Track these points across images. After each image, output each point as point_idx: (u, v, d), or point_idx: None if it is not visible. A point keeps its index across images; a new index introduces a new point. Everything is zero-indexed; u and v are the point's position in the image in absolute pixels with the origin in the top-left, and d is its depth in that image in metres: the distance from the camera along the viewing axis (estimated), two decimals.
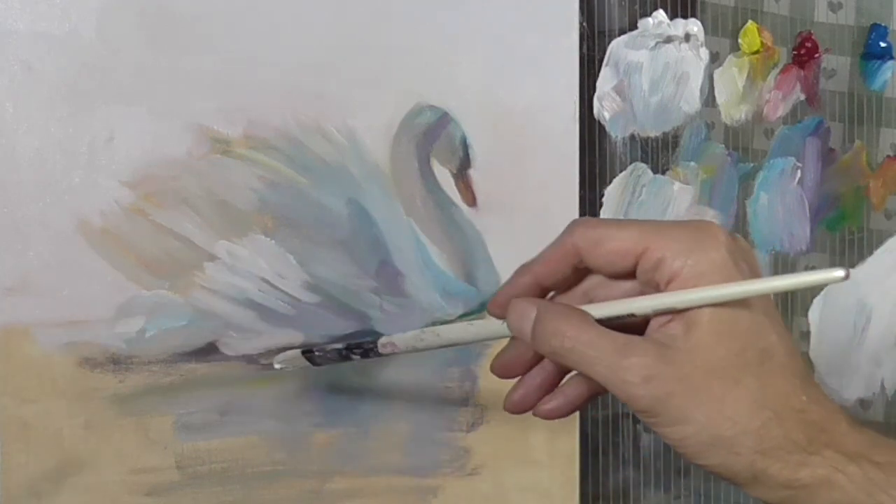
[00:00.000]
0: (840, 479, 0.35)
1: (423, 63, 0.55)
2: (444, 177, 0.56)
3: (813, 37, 0.70)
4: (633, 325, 0.38)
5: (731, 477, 0.37)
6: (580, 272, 0.40)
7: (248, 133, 0.51)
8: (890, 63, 0.73)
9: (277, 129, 0.52)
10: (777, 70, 0.69)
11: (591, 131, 0.62)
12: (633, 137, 0.64)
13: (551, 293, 0.41)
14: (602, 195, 0.63)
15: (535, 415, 0.41)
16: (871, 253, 0.74)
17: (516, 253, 0.57)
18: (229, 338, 0.51)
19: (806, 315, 0.71)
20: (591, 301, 0.40)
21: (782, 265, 0.70)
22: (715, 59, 0.66)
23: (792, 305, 0.71)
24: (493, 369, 0.42)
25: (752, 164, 0.69)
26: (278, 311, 0.52)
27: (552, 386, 0.41)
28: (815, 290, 0.72)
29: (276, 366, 0.50)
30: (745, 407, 0.35)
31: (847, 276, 0.34)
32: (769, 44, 0.68)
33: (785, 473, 0.36)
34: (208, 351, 0.50)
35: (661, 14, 0.64)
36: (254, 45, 0.51)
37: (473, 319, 0.43)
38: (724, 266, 0.36)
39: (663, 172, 0.65)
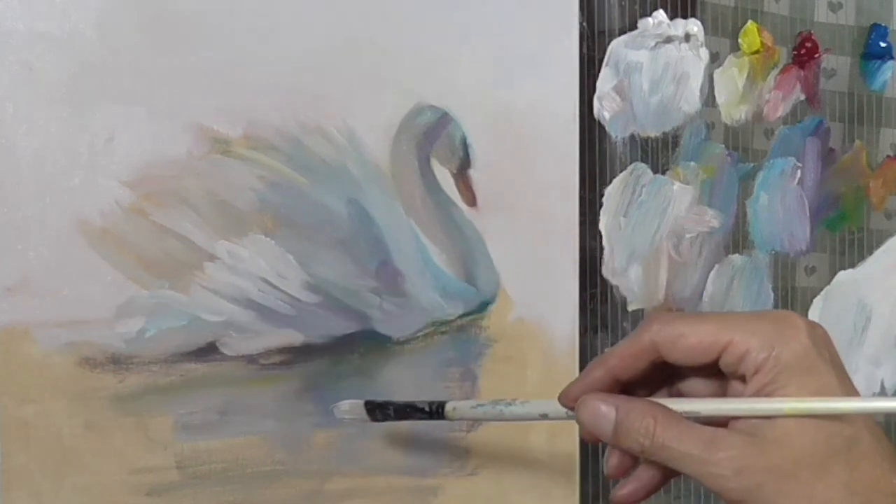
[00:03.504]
0: None
1: (423, 63, 0.55)
2: (444, 177, 0.56)
3: (813, 37, 0.70)
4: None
5: None
6: (656, 365, 0.41)
7: (248, 133, 0.51)
8: (890, 63, 0.73)
9: (277, 129, 0.52)
10: (777, 70, 0.69)
11: (591, 131, 0.62)
12: (633, 137, 0.64)
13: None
14: (602, 195, 0.63)
15: (611, 500, 0.42)
16: (871, 253, 0.74)
17: (516, 253, 0.58)
18: (229, 338, 0.51)
19: (806, 315, 0.71)
20: (678, 394, 0.41)
21: (782, 265, 0.70)
22: (715, 59, 0.66)
23: (792, 306, 0.71)
24: (608, 474, 0.43)
25: (752, 164, 0.69)
26: (278, 311, 0.52)
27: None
28: (815, 291, 0.72)
29: (338, 415, 0.51)
30: (836, 494, 0.36)
31: None
32: (769, 44, 0.68)
33: None
34: (208, 351, 0.50)
35: (661, 14, 0.64)
36: (254, 44, 0.51)
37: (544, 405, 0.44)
38: (808, 356, 0.37)
39: (663, 172, 0.65)
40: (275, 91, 0.51)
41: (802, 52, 0.70)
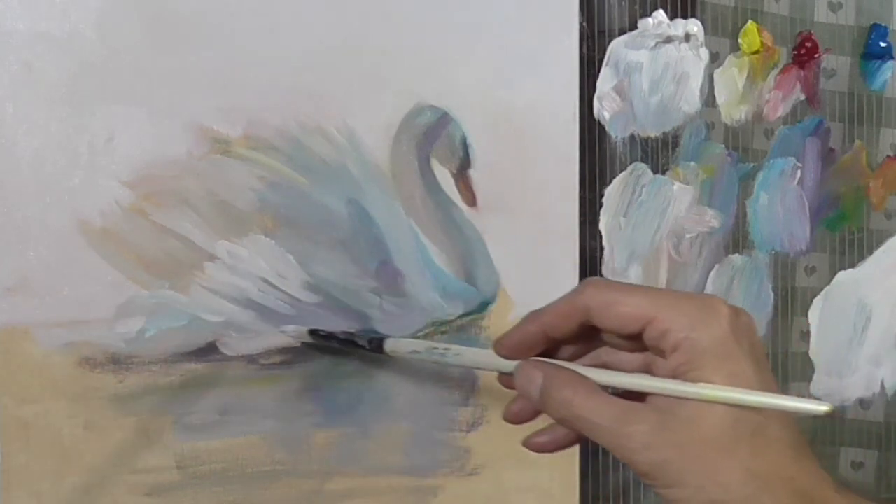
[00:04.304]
0: None
1: (423, 63, 0.55)
2: (444, 177, 0.56)
3: (813, 37, 0.70)
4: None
5: None
6: (586, 327, 0.41)
7: (248, 133, 0.51)
8: (890, 63, 0.73)
9: (277, 129, 0.52)
10: (777, 70, 0.69)
11: (591, 131, 0.62)
12: (633, 137, 0.64)
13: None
14: (602, 195, 0.63)
15: (523, 444, 0.44)
16: (871, 253, 0.74)
17: (516, 253, 0.58)
18: (229, 338, 0.51)
19: (806, 315, 0.71)
20: (603, 364, 0.42)
21: (782, 265, 0.70)
22: (715, 59, 0.66)
23: (792, 306, 0.71)
24: (505, 417, 0.45)
25: (752, 164, 0.69)
26: (278, 311, 0.52)
27: None
28: (815, 291, 0.72)
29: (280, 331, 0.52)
30: (737, 475, 0.37)
31: (832, 413, 0.37)
32: (769, 44, 0.68)
33: None
34: (208, 351, 0.50)
35: (661, 14, 0.64)
36: (254, 44, 0.51)
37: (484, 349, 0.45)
38: (726, 342, 0.38)
39: (663, 172, 0.65)
40: (275, 91, 0.51)
41: (802, 52, 0.70)
